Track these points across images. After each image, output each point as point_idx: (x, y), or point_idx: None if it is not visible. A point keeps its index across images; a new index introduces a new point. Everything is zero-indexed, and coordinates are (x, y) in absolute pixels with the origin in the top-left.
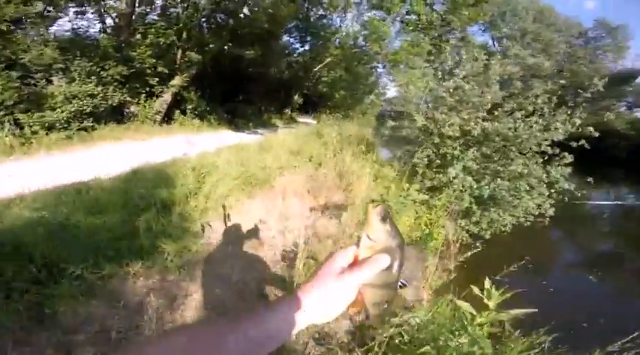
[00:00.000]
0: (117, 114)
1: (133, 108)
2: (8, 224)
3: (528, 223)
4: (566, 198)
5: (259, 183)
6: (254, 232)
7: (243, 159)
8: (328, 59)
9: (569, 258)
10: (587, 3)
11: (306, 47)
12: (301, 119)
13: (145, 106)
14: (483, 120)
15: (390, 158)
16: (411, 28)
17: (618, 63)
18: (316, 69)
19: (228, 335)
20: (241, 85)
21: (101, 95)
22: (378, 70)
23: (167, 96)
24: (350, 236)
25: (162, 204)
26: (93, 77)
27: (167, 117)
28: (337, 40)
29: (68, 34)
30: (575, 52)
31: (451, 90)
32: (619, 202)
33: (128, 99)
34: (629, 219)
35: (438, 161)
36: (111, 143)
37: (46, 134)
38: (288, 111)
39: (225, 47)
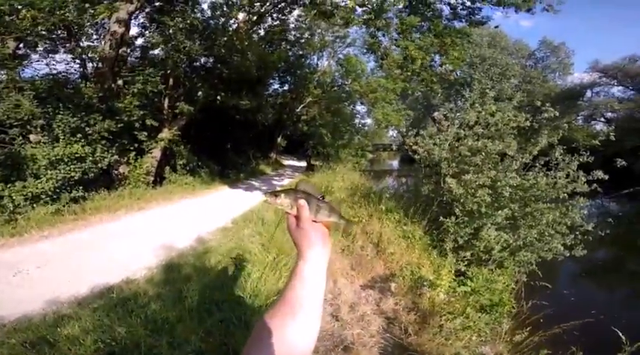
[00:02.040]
0: (105, 178)
1: (122, 169)
2: None
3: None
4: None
5: None
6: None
7: (269, 236)
8: (309, 99)
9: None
10: (523, 22)
11: (286, 87)
12: (286, 161)
13: (135, 167)
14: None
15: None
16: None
17: (567, 79)
18: (298, 109)
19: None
20: (229, 133)
21: (90, 158)
22: (359, 108)
23: (156, 153)
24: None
25: (232, 317)
26: (79, 135)
27: (158, 177)
28: (316, 79)
29: (41, 79)
30: (529, 73)
31: (475, 148)
32: None
33: (116, 158)
34: None
35: (465, 218)
36: (108, 217)
37: (32, 208)
38: (273, 154)
39: (218, 97)
